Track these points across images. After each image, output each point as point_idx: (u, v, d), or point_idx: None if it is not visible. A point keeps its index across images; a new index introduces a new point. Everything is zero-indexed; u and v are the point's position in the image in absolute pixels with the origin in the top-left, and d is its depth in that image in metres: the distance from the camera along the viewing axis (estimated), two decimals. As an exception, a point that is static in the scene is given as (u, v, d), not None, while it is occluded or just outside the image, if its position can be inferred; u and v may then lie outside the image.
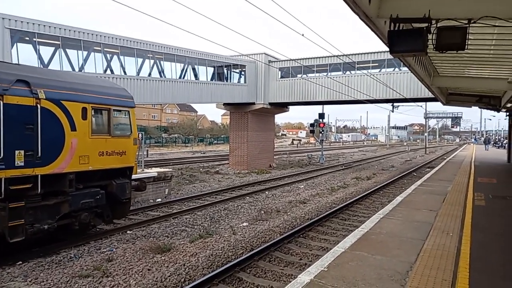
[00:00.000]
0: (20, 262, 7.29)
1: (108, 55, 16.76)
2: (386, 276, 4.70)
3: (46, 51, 14.78)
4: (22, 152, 7.11)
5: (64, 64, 14.83)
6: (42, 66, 13.75)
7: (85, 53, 15.63)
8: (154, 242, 8.58)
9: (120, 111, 9.30)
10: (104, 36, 16.16)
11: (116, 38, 16.67)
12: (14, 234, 6.96)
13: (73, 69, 15.02)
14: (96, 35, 15.82)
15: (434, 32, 6.78)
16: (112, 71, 16.78)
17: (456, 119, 59.93)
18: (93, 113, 8.48)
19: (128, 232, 9.63)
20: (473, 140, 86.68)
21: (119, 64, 17.15)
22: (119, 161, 9.15)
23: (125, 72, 17.27)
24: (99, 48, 16.16)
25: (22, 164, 7.09)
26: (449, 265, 5.17)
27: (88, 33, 15.51)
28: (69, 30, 14.85)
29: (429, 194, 11.10)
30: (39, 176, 7.32)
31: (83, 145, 8.18)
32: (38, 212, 7.45)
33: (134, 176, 9.96)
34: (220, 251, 8.01)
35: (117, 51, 16.98)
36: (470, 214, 8.41)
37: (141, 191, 10.84)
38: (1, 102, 6.75)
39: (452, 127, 71.91)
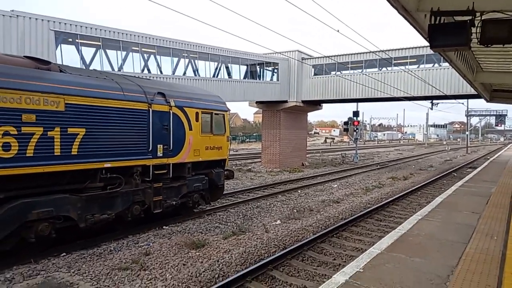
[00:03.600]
0: (64, 254, 7.68)
1: (145, 55, 17.27)
2: (425, 280, 4.53)
3: (87, 52, 15.47)
4: (161, 146, 9.33)
5: (105, 64, 15.43)
6: (84, 67, 14.38)
7: (124, 53, 16.18)
8: (189, 238, 8.76)
9: (218, 114, 11.45)
10: (142, 37, 16.65)
11: (153, 38, 17.12)
12: (156, 206, 9.33)
13: (113, 69, 15.58)
14: (134, 35, 16.33)
15: (479, 25, 6.45)
16: (149, 70, 17.27)
17: (500, 117, 56.73)
18: (202, 116, 10.68)
19: (164, 227, 9.89)
20: None
21: (155, 64, 17.64)
22: (218, 154, 11.42)
23: (161, 71, 17.73)
24: (137, 48, 16.67)
25: (161, 155, 9.35)
26: (493, 270, 4.92)
27: (126, 34, 16.04)
28: (109, 31, 15.41)
29: (471, 196, 10.59)
30: (171, 164, 9.66)
31: (196, 141, 10.47)
32: (169, 191, 9.79)
33: None
34: (253, 249, 8.04)
35: (154, 51, 17.44)
36: (517, 217, 7.94)
37: (230, 179, 12.92)
38: (150, 109, 8.98)
39: (496, 125, 68.14)
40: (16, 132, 6.56)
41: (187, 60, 19.01)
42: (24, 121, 6.67)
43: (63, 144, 7.22)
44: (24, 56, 7.87)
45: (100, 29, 15.17)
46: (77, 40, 14.63)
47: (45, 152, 6.97)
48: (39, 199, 7.08)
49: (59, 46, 14.02)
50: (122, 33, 15.91)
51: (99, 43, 15.28)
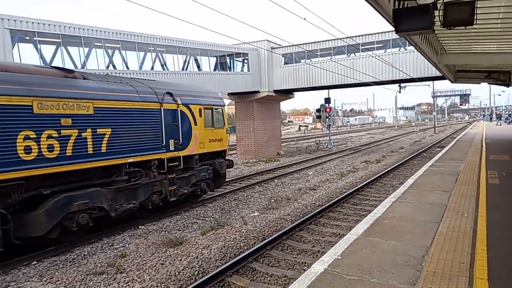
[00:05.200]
0: (35, 262, 7.35)
1: (109, 51, 16.63)
2: (401, 262, 4.61)
3: (47, 50, 14.73)
4: (173, 141, 10.39)
5: (66, 61, 14.75)
6: (44, 65, 13.69)
7: (86, 49, 15.51)
8: (166, 236, 8.59)
9: (217, 109, 12.55)
10: (105, 32, 16.00)
11: (116, 33, 16.49)
12: (171, 195, 10.42)
13: (76, 67, 14.91)
14: (96, 30, 15.67)
15: (441, 8, 6.55)
16: (114, 66, 16.68)
17: (464, 97, 58.97)
18: (204, 112, 11.73)
19: (140, 227, 9.65)
20: (482, 117, 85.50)
21: (121, 59, 17.04)
22: (219, 145, 12.58)
23: (127, 67, 17.15)
24: (100, 44, 16.02)
25: (173, 149, 10.41)
26: (465, 247, 5.07)
27: (88, 29, 15.35)
28: (69, 27, 14.72)
29: (441, 175, 10.93)
30: (181, 156, 10.73)
31: (201, 134, 11.57)
32: (181, 181, 10.88)
33: None
34: (232, 242, 7.99)
35: (118, 45, 16.81)
36: (484, 193, 8.25)
37: (231, 167, 14.18)
38: (162, 108, 10.00)
39: (461, 104, 70.86)
40: (57, 135, 7.53)
41: (154, 54, 18.48)
42: (62, 125, 7.63)
43: (94, 143, 8.24)
44: (52, 66, 8.71)
45: (60, 25, 14.46)
46: (35, 38, 13.89)
47: (81, 151, 7.97)
48: (77, 193, 8.05)
49: (16, 45, 13.27)
50: (83, 29, 15.22)
51: (59, 40, 14.57)
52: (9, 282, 6.49)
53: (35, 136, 7.15)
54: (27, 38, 13.85)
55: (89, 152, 8.09)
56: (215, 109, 12.37)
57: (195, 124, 11.30)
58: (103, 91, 8.59)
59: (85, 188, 8.25)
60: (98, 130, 8.30)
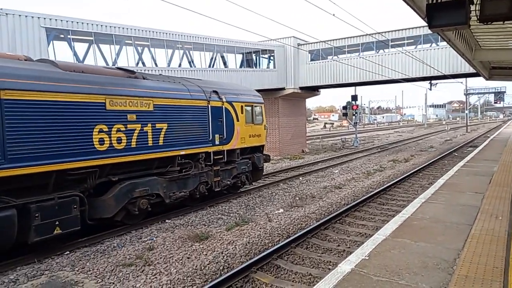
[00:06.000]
0: (68, 252, 7.64)
1: (139, 48, 17.01)
2: (432, 264, 4.49)
3: (80, 47, 15.23)
4: (218, 135, 11.18)
5: (99, 59, 15.20)
6: (77, 62, 14.15)
7: (117, 47, 15.92)
8: (192, 230, 8.73)
9: (256, 106, 13.26)
10: (135, 29, 16.36)
11: (146, 31, 16.83)
12: (216, 186, 11.29)
13: (107, 64, 15.35)
14: (127, 28, 16.04)
15: (477, 2, 6.30)
16: (143, 63, 17.04)
17: (499, 94, 56.47)
18: (245, 109, 12.47)
19: (167, 221, 9.85)
20: None
21: (150, 56, 17.39)
22: (257, 141, 13.32)
23: (156, 64, 17.49)
24: (130, 42, 16.41)
25: (218, 143, 11.23)
26: (500, 251, 4.88)
27: (119, 27, 15.75)
28: (101, 25, 15.15)
29: (473, 176, 10.54)
30: (225, 150, 11.54)
31: (242, 130, 12.28)
32: (224, 173, 11.73)
33: None
34: (257, 239, 8.02)
35: (147, 43, 17.17)
36: (521, 195, 7.89)
37: (267, 162, 14.85)
38: (209, 105, 10.85)
39: (495, 102, 67.87)
40: (124, 129, 8.46)
41: (181, 52, 18.74)
42: (129, 120, 8.56)
43: (153, 137, 9.14)
44: (117, 68, 9.65)
45: (92, 24, 14.89)
46: (69, 36, 14.38)
47: (143, 143, 8.88)
48: (139, 181, 9.02)
49: (51, 43, 13.78)
50: (115, 27, 15.62)
51: (92, 38, 15.02)
52: (43, 271, 6.78)
53: (107, 130, 8.09)
54: (62, 36, 14.34)
55: (149, 144, 9.02)
56: (255, 106, 13.09)
57: (237, 120, 12.03)
58: (161, 89, 9.52)
59: (145, 176, 9.21)
60: (157, 125, 9.21)
